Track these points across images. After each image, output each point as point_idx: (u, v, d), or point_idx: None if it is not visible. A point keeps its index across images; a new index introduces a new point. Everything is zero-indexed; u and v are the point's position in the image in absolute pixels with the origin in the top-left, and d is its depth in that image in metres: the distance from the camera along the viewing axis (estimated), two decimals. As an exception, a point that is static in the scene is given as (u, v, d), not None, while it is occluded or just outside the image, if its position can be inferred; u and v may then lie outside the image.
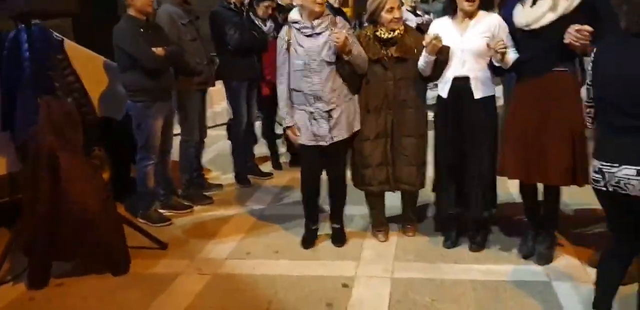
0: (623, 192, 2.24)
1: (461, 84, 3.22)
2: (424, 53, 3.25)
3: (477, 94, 3.22)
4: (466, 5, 3.15)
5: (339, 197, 3.72)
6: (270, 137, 5.62)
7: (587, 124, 2.54)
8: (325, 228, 3.88)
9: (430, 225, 3.97)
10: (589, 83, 2.40)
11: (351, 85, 3.44)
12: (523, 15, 3.01)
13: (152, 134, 4.09)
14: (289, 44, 3.41)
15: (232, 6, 4.74)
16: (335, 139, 3.44)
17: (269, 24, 5.10)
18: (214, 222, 4.28)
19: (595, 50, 2.37)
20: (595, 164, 2.32)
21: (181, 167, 4.70)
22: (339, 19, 3.48)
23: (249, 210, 4.52)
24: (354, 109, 3.48)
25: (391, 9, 3.30)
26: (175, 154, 4.59)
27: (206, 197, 4.73)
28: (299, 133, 3.52)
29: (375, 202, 3.74)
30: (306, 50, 3.35)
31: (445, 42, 3.17)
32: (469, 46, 3.18)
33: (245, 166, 5.22)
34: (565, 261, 3.32)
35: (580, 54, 2.96)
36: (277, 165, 5.62)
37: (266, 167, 5.59)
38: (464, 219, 3.51)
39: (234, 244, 3.84)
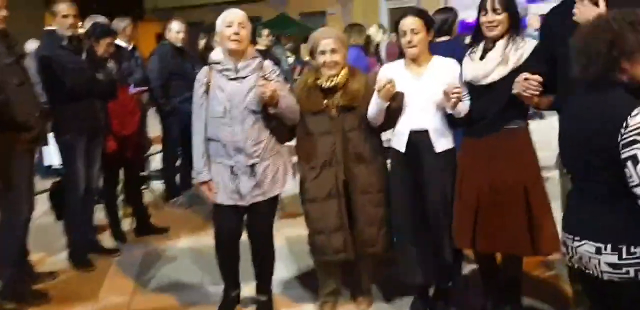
0: (588, 271, 1.90)
1: (420, 137, 2.89)
2: (375, 100, 2.85)
3: (438, 148, 2.89)
4: (407, 50, 2.87)
5: (265, 265, 3.18)
6: (111, 201, 4.54)
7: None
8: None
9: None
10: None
11: (280, 137, 3.03)
12: (472, 69, 2.77)
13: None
14: (208, 87, 2.95)
15: (65, 43, 3.73)
16: (258, 199, 2.99)
17: (111, 65, 4.16)
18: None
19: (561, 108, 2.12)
20: (561, 234, 2.03)
21: (2, 258, 3.41)
22: (267, 63, 3.03)
23: (106, 306, 3.45)
24: (282, 163, 3.06)
25: (323, 52, 2.89)
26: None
27: (39, 294, 3.52)
28: (215, 189, 3.01)
29: (329, 270, 3.16)
30: (228, 95, 2.91)
31: (399, 89, 2.82)
32: (427, 95, 2.85)
33: (82, 243, 4.08)
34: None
35: (531, 106, 2.78)
36: (119, 237, 4.53)
37: (104, 239, 4.46)
38: (422, 289, 3.12)
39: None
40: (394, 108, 2.87)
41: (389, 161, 3.09)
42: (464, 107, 2.79)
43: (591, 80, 1.87)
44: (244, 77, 2.91)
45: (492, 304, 3.02)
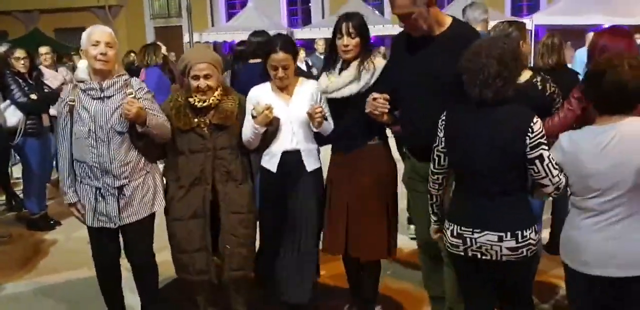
0: (485, 257, 2.26)
1: (291, 157, 2.99)
2: (251, 124, 2.88)
3: (309, 167, 3.01)
4: (277, 83, 2.95)
5: (146, 290, 3.13)
6: None
7: (432, 190, 2.48)
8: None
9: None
10: (440, 150, 2.37)
11: (149, 156, 2.96)
12: (324, 81, 2.93)
13: None
14: (71, 107, 2.83)
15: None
16: (127, 221, 2.93)
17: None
18: None
19: (444, 118, 2.35)
20: (452, 228, 2.32)
21: None
22: (135, 80, 2.96)
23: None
24: (152, 184, 2.97)
25: (196, 77, 2.83)
26: None
27: None
28: (83, 211, 2.93)
29: (198, 290, 3.10)
30: (92, 115, 2.81)
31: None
32: (297, 117, 2.95)
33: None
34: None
35: (382, 123, 2.89)
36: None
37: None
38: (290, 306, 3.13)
39: None
40: (270, 132, 2.91)
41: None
42: (329, 125, 2.95)
43: (490, 98, 2.18)
44: (109, 97, 2.82)
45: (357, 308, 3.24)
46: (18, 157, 5.77)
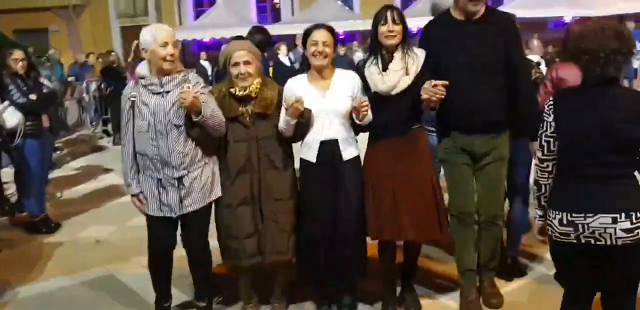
0: (599, 243, 2.19)
1: (329, 147, 3.01)
2: (284, 116, 2.95)
3: (346, 156, 3.02)
4: (316, 60, 2.96)
5: (201, 272, 3.23)
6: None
7: (542, 180, 2.38)
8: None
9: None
10: (549, 134, 2.30)
11: (206, 148, 3.04)
12: (380, 82, 2.95)
13: None
14: (132, 102, 2.96)
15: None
16: (187, 210, 3.03)
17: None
18: None
19: (553, 102, 2.30)
20: (560, 217, 2.24)
21: None
22: (192, 75, 3.06)
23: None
24: (210, 174, 3.07)
25: (236, 64, 2.94)
26: None
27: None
28: (145, 201, 3.07)
29: (244, 275, 3.23)
30: (151, 109, 2.93)
31: (306, 103, 2.88)
32: (334, 107, 2.98)
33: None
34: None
35: (429, 109, 2.98)
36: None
37: None
38: (332, 288, 3.22)
39: None
40: (302, 124, 2.96)
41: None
42: (370, 116, 2.96)
43: (611, 76, 2.17)
44: (168, 92, 2.93)
45: (392, 298, 3.23)
46: (4, 161, 5.64)
